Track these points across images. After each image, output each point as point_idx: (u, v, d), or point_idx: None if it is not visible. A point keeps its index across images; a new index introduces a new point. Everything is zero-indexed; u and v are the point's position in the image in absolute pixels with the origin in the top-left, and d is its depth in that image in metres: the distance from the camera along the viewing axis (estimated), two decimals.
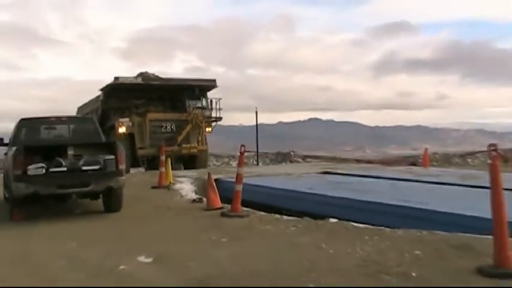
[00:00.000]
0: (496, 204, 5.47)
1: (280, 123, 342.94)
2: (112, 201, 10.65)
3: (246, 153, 10.69)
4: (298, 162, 31.34)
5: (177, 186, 14.58)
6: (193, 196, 12.76)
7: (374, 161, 29.97)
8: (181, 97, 23.76)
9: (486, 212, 5.79)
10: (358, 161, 30.82)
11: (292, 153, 36.06)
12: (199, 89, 23.80)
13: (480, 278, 5.32)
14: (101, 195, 10.77)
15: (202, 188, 13.48)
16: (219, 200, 10.77)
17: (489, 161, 5.57)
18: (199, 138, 23.41)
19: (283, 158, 34.54)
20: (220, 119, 24.47)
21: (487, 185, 5.73)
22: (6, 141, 11.66)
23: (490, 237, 5.68)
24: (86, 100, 26.92)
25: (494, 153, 5.50)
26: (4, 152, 11.58)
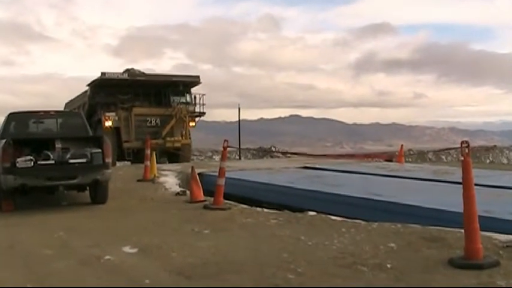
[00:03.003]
0: (468, 198, 5.53)
1: (261, 119, 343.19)
2: (98, 194, 10.61)
3: (228, 148, 10.71)
4: (279, 157, 31.37)
5: (162, 179, 14.56)
6: (177, 189, 12.74)
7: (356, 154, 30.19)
8: (166, 92, 23.77)
9: (457, 206, 5.88)
10: (340, 155, 31.00)
11: (273, 149, 36.15)
12: (183, 84, 23.85)
13: (451, 269, 5.39)
14: (87, 188, 10.72)
15: (186, 182, 13.47)
16: (202, 193, 10.77)
17: (461, 158, 5.64)
18: (183, 132, 23.44)
19: (264, 153, 34.58)
20: (203, 114, 24.54)
21: (458, 180, 5.81)
22: None
23: (461, 230, 5.76)
24: (75, 95, 26.85)
25: (466, 150, 5.57)
26: None
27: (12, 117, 11.77)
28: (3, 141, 9.98)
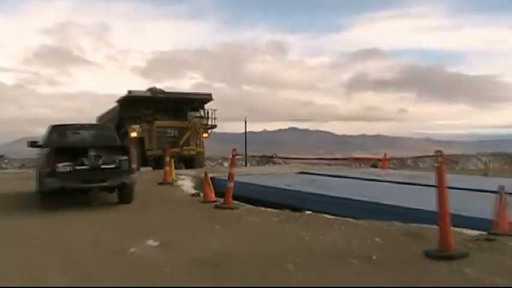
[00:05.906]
0: (441, 198, 5.56)
1: (264, 131, 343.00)
2: (125, 195, 10.67)
3: (236, 156, 10.74)
4: (280, 164, 31.32)
5: (179, 182, 14.58)
6: (192, 191, 12.77)
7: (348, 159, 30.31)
8: (183, 108, 23.86)
9: (431, 206, 5.90)
10: (335, 159, 31.10)
11: (274, 156, 36.11)
12: (197, 101, 23.97)
13: (427, 260, 5.43)
14: (116, 189, 10.78)
15: (200, 184, 13.47)
16: (214, 194, 10.79)
17: (436, 164, 5.67)
18: (198, 142, 23.49)
19: (267, 160, 34.54)
20: (215, 126, 24.57)
21: (433, 183, 5.83)
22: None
23: (437, 226, 5.78)
24: (106, 110, 26.97)
25: (440, 158, 5.61)
26: (37, 152, 11.58)
27: (54, 128, 11.91)
28: (46, 149, 10.14)
